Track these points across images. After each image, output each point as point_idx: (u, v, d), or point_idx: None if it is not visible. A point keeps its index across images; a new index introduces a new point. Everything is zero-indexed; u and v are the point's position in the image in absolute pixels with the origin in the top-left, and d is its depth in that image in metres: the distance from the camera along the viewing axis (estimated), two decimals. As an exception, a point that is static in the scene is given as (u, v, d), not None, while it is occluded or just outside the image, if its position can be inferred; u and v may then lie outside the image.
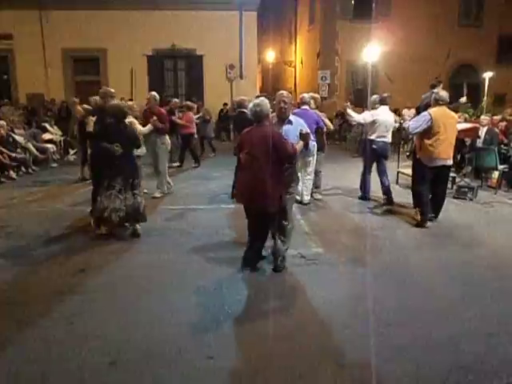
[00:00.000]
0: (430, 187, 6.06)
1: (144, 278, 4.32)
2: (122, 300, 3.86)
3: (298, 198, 6.48)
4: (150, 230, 5.67)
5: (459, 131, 9.38)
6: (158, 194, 7.62)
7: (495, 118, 10.91)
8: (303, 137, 4.29)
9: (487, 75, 16.49)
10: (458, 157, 10.06)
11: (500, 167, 8.32)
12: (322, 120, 7.27)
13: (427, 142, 5.83)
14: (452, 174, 8.74)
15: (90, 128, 6.58)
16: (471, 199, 7.58)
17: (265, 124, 4.23)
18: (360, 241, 5.41)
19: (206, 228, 5.86)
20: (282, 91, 4.78)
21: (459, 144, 10.00)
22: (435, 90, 8.58)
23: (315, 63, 19.10)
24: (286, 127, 4.46)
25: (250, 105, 4.26)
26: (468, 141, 9.61)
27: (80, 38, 15.39)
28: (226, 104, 16.12)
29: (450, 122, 5.93)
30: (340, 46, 18.51)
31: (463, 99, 8.73)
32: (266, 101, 4.30)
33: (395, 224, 6.21)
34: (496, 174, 8.39)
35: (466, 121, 10.62)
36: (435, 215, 6.22)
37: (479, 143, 9.00)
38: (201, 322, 3.47)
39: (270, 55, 22.73)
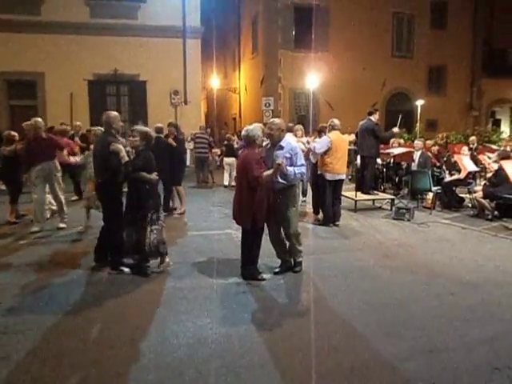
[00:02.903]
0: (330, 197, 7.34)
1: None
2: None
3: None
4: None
5: (396, 155, 9.99)
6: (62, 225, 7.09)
7: (428, 142, 11.60)
8: (275, 166, 4.53)
9: (419, 103, 17.71)
10: (396, 179, 10.55)
11: (433, 189, 8.79)
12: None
13: (328, 160, 7.13)
14: (391, 196, 9.17)
15: None
16: (409, 220, 7.91)
17: (251, 148, 4.68)
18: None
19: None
20: (273, 119, 5.16)
21: (396, 167, 10.54)
22: (371, 117, 9.08)
23: (259, 90, 19.52)
24: (277, 152, 4.82)
25: (243, 130, 4.89)
26: (404, 164, 10.10)
27: (15, 61, 14.78)
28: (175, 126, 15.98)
29: (343, 145, 7.42)
30: (282, 73, 19.07)
31: (396, 129, 9.27)
32: (257, 126, 4.77)
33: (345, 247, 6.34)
34: (430, 196, 8.84)
35: (399, 145, 11.21)
36: (337, 221, 7.46)
37: (414, 166, 9.47)
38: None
39: (215, 82, 22.98)
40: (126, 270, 5.07)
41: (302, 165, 4.84)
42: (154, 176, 4.94)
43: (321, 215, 7.71)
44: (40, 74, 15.44)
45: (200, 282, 4.88)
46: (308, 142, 8.27)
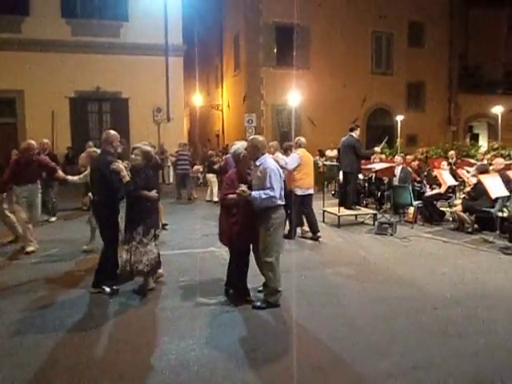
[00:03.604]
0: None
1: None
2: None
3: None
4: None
5: (377, 170, 10.10)
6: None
7: (408, 157, 11.78)
8: (237, 192, 4.34)
9: (399, 118, 18.05)
10: (378, 194, 10.66)
11: (415, 203, 8.90)
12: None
13: (298, 176, 7.40)
14: (373, 211, 9.25)
15: None
16: (391, 234, 7.97)
17: (239, 166, 4.69)
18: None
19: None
20: (252, 136, 4.89)
21: (378, 182, 10.67)
22: (353, 133, 9.20)
23: (242, 107, 19.65)
24: (253, 172, 4.66)
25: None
26: (386, 179, 10.22)
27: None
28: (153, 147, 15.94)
29: (310, 161, 7.81)
30: (265, 90, 19.27)
31: (377, 149, 9.50)
32: (241, 144, 4.70)
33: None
34: (412, 210, 8.95)
35: (381, 161, 11.36)
36: (317, 231, 7.60)
37: (395, 181, 9.60)
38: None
39: (198, 99, 23.08)
40: (108, 289, 4.98)
41: (271, 187, 4.33)
42: (154, 193, 4.95)
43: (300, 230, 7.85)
44: (19, 92, 15.29)
45: (183, 301, 4.81)
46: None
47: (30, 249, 6.72)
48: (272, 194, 4.33)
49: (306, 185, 7.55)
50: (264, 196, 4.32)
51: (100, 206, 5.09)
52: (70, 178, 6.85)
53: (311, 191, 7.71)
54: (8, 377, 3.32)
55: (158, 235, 5.09)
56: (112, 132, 5.22)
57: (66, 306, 4.69)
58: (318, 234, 7.61)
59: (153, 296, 4.95)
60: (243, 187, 4.33)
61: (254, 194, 4.33)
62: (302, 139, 7.84)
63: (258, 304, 4.61)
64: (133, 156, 5.01)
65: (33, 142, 6.90)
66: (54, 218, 9.34)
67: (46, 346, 3.76)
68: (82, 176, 6.72)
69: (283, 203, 4.58)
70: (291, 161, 7.40)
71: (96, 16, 15.80)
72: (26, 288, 5.24)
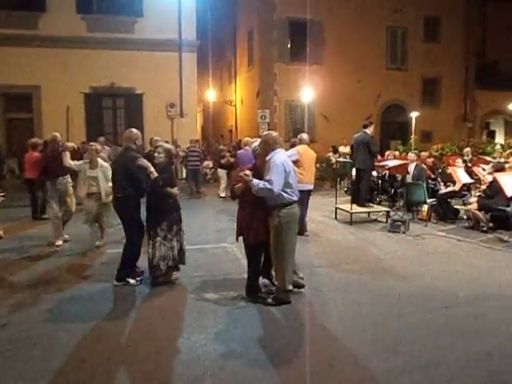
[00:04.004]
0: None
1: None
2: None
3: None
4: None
5: (390, 168, 10.03)
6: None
7: (423, 154, 11.66)
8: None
9: (414, 114, 17.85)
10: (392, 191, 10.59)
11: (428, 201, 8.81)
12: None
13: (298, 170, 6.89)
14: (386, 209, 9.19)
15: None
16: (404, 232, 7.91)
17: (258, 160, 4.69)
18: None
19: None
20: (266, 132, 5.02)
21: (391, 179, 10.59)
22: (366, 130, 9.14)
23: (255, 102, 19.62)
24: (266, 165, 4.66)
25: None
26: (399, 176, 10.15)
27: (12, 74, 14.85)
28: (167, 142, 16.04)
29: (311, 157, 7.69)
30: (278, 86, 19.19)
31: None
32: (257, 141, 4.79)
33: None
34: (425, 208, 8.86)
35: (394, 158, 11.28)
36: (305, 231, 7.59)
37: (409, 179, 9.51)
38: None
39: (211, 94, 23.10)
40: (133, 281, 5.13)
41: (270, 180, 4.28)
42: (176, 190, 5.12)
43: None
44: (36, 87, 15.50)
45: (194, 296, 4.85)
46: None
47: (58, 243, 6.91)
48: (269, 186, 4.27)
49: (303, 180, 7.31)
50: (261, 186, 4.29)
51: (124, 203, 5.10)
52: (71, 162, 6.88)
53: (309, 187, 7.60)
54: (43, 363, 3.42)
55: (183, 230, 5.23)
56: (134, 130, 5.34)
57: (87, 299, 4.78)
58: (306, 233, 7.61)
59: (164, 291, 5.01)
60: (247, 172, 4.40)
61: (255, 181, 4.33)
62: (304, 136, 7.82)
63: (269, 301, 4.62)
64: (156, 154, 5.12)
65: (58, 134, 7.13)
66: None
67: (68, 337, 3.85)
68: (77, 163, 6.76)
69: (292, 201, 4.47)
70: (289, 154, 7.46)
71: (111, 12, 15.90)
72: (50, 282, 5.34)
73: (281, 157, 4.50)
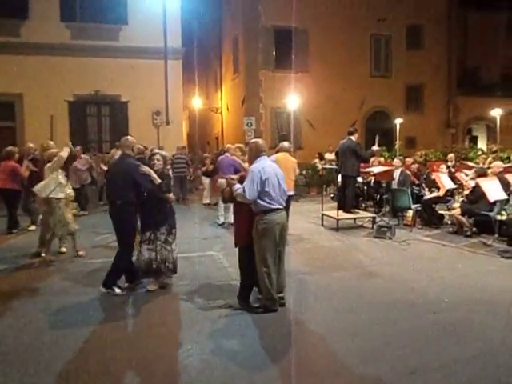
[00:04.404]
0: None
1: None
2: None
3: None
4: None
5: (376, 174, 10.11)
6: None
7: (408, 160, 11.78)
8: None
9: (398, 121, 18.07)
10: (377, 197, 10.67)
11: (413, 206, 8.90)
12: (240, 164, 7.50)
13: None
14: (372, 215, 9.26)
15: None
16: (390, 238, 7.97)
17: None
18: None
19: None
20: (253, 140, 5.03)
21: (377, 185, 10.68)
22: (352, 137, 9.23)
23: (241, 110, 19.66)
24: None
25: None
26: (384, 182, 10.23)
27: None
28: (152, 150, 15.95)
29: (289, 165, 7.64)
30: (264, 93, 19.28)
31: (375, 147, 9.53)
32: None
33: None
34: (410, 213, 8.95)
35: (380, 164, 11.38)
36: None
37: (394, 185, 9.60)
38: None
39: (197, 102, 23.11)
40: (118, 290, 5.11)
41: (244, 187, 4.38)
42: (172, 196, 5.29)
43: None
44: (18, 95, 15.27)
45: (181, 306, 4.81)
46: None
47: (64, 250, 6.91)
48: (241, 191, 4.42)
49: None
50: (239, 191, 4.45)
51: (124, 209, 5.10)
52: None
53: (290, 192, 7.42)
54: (51, 367, 3.38)
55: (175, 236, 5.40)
56: (130, 138, 5.49)
57: (76, 308, 4.70)
58: None
59: (150, 300, 4.95)
60: (233, 176, 4.67)
61: (236, 186, 4.52)
62: (285, 144, 7.94)
63: (255, 308, 4.61)
64: (156, 161, 5.26)
65: (52, 142, 7.13)
66: (33, 227, 8.64)
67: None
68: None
69: (269, 208, 4.44)
70: None
71: (96, 20, 15.78)
72: (37, 290, 5.25)
73: (261, 164, 4.53)
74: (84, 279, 5.71)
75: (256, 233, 4.49)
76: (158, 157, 5.31)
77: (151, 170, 5.11)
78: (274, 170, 4.63)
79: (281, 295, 4.72)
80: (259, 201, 4.43)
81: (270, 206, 4.47)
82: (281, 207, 4.57)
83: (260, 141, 4.83)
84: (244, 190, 4.38)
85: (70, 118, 15.88)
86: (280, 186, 4.58)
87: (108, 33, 16.02)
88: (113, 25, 16.05)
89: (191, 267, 6.23)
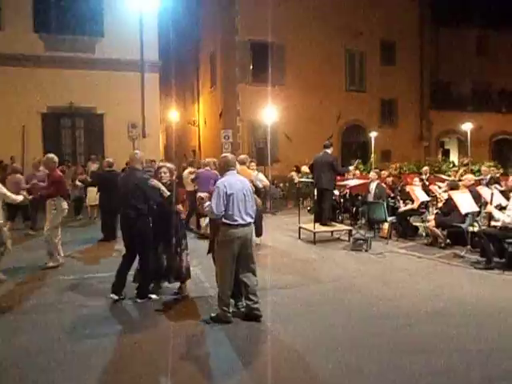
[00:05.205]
0: None
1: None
2: None
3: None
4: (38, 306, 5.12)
5: (352, 187, 10.22)
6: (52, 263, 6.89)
7: (383, 173, 11.95)
8: None
9: (373, 134, 18.36)
10: (353, 210, 10.76)
11: (389, 219, 9.00)
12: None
13: None
14: (348, 227, 9.32)
15: None
16: (366, 250, 8.03)
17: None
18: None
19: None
20: (223, 154, 5.09)
21: (353, 198, 10.78)
22: (327, 150, 9.31)
23: (218, 123, 19.69)
24: None
25: None
26: (360, 195, 10.34)
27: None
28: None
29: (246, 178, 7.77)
30: (241, 106, 19.38)
31: (351, 167, 9.73)
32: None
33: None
34: (386, 226, 9.04)
35: (355, 177, 11.51)
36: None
37: (370, 197, 9.71)
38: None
39: (174, 114, 23.02)
40: (154, 296, 5.37)
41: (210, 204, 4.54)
42: (180, 207, 5.45)
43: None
44: (-13, 107, 14.91)
45: (155, 322, 4.70)
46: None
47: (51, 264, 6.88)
48: (209, 208, 4.51)
49: None
50: (207, 208, 4.55)
51: (138, 221, 5.26)
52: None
53: None
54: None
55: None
56: (140, 153, 5.74)
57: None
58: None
59: (126, 319, 4.83)
60: (202, 195, 4.83)
61: (208, 203, 4.58)
62: (241, 156, 7.99)
63: (206, 319, 4.64)
64: (163, 174, 5.42)
65: (51, 155, 7.08)
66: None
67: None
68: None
69: (228, 223, 4.48)
70: None
71: (71, 31, 15.58)
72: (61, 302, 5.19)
73: (227, 179, 4.61)
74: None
75: (216, 244, 4.64)
76: (164, 169, 5.47)
77: (160, 184, 5.27)
78: (242, 184, 4.67)
79: (256, 306, 4.69)
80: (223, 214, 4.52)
81: (230, 220, 4.50)
82: (244, 222, 4.56)
83: (229, 155, 4.88)
84: (211, 206, 4.47)
85: (43, 131, 15.59)
86: (246, 202, 4.60)
87: (83, 45, 15.85)
88: (88, 37, 15.90)
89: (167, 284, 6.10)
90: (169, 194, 5.24)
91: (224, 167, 4.71)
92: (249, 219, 4.63)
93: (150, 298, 5.34)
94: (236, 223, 4.50)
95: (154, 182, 5.27)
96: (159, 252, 5.35)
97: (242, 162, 7.67)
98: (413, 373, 3.61)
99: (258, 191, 7.48)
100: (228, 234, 4.51)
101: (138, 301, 5.26)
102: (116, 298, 5.25)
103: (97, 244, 8.81)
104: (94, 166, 14.24)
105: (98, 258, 7.59)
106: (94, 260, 7.50)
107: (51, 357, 3.90)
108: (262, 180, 8.73)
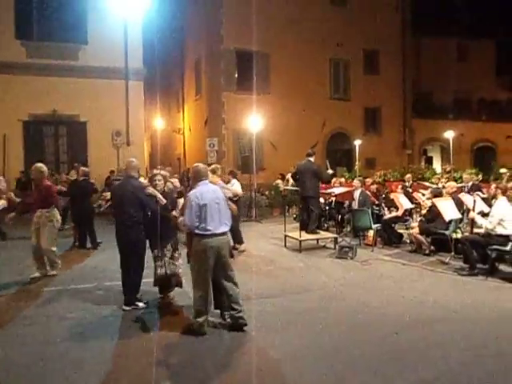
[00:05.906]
0: None
1: None
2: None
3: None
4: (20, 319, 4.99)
5: (337, 194, 10.25)
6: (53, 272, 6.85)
7: (367, 180, 12.04)
8: None
9: (357, 142, 18.54)
10: (339, 218, 10.79)
11: (374, 226, 9.05)
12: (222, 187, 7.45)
13: None
14: (334, 235, 9.33)
15: None
16: (352, 258, 8.03)
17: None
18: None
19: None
20: (195, 164, 4.98)
21: (338, 206, 10.82)
22: (311, 158, 9.36)
23: (203, 131, 19.65)
24: None
25: None
26: (346, 203, 10.37)
27: None
28: (112, 171, 15.56)
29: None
30: (226, 114, 19.39)
31: (330, 171, 9.81)
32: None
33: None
34: (371, 233, 9.08)
35: (341, 184, 11.57)
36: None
37: (355, 205, 9.75)
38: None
39: (159, 122, 22.92)
40: (141, 304, 5.35)
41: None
42: (175, 213, 5.44)
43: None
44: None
45: (138, 333, 4.62)
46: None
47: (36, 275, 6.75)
48: (182, 220, 4.60)
49: None
50: (182, 222, 4.62)
51: (134, 229, 5.27)
52: None
53: None
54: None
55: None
56: (135, 160, 5.72)
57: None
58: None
59: (113, 329, 4.73)
60: (174, 213, 5.07)
61: (181, 218, 4.69)
62: (212, 166, 7.86)
63: (184, 329, 4.60)
64: (157, 182, 5.46)
65: (41, 165, 6.93)
66: None
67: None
68: None
69: (200, 232, 4.45)
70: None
71: (54, 38, 15.43)
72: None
73: (199, 190, 4.58)
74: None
75: (191, 254, 4.61)
76: (159, 177, 5.50)
77: (156, 192, 5.31)
78: (215, 193, 4.63)
79: (240, 315, 4.63)
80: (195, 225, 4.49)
81: (203, 231, 4.46)
82: (217, 232, 4.51)
83: (200, 165, 4.84)
84: (184, 218, 4.49)
85: (25, 139, 15.37)
86: (220, 212, 4.56)
87: (66, 52, 15.73)
88: (72, 44, 15.79)
89: (149, 293, 6.01)
90: (165, 201, 5.27)
91: (196, 177, 4.69)
92: (223, 228, 4.58)
93: (137, 305, 5.31)
94: (209, 233, 4.45)
95: (151, 189, 5.31)
96: (157, 258, 5.37)
97: (213, 172, 7.52)
98: (400, 381, 3.60)
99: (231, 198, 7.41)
100: (201, 244, 4.46)
101: (125, 308, 5.24)
102: (141, 305, 5.34)
103: (78, 253, 8.63)
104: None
105: (81, 269, 7.44)
106: (77, 270, 7.34)
107: (34, 371, 3.79)
108: (231, 189, 8.53)
